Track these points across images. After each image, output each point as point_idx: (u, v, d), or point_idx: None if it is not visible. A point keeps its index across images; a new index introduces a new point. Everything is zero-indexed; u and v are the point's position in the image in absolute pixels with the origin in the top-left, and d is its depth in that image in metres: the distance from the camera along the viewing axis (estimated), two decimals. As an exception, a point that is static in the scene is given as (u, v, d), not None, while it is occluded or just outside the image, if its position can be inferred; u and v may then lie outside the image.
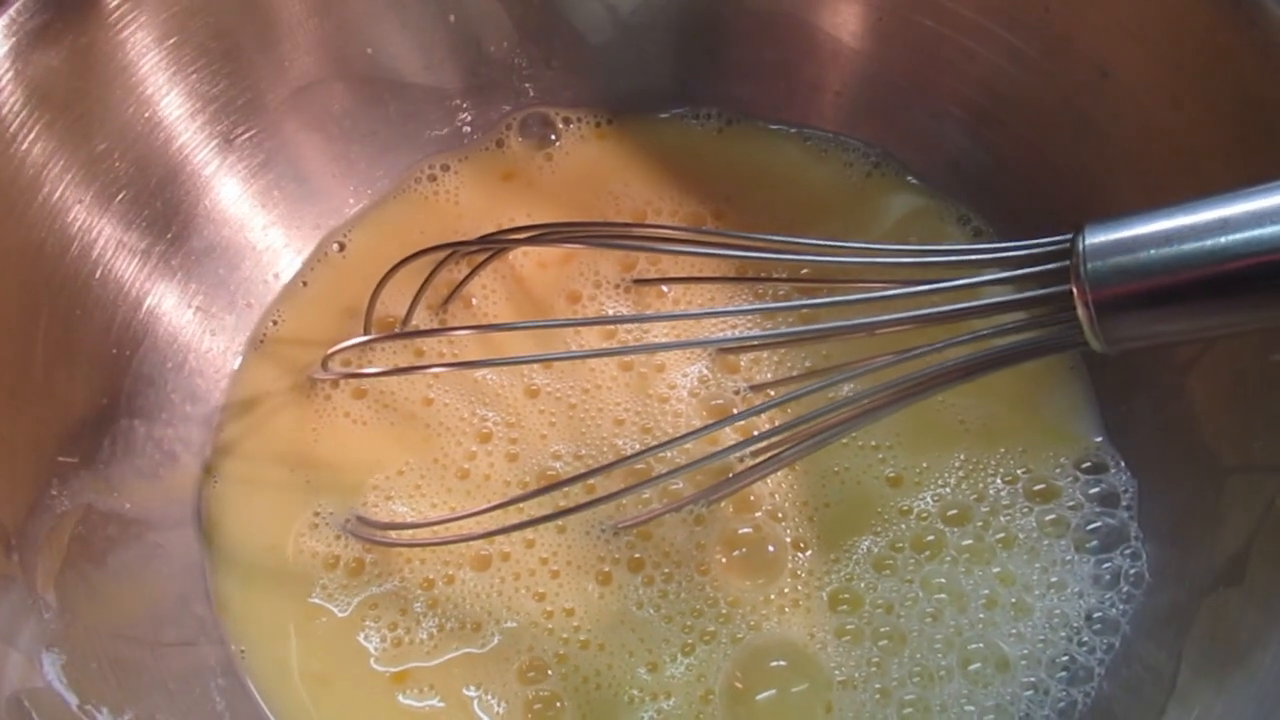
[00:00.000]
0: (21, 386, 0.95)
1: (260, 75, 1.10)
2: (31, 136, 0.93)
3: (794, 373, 1.09)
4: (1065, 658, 0.96)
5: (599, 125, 1.22)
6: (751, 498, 1.04)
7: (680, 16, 1.16)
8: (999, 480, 1.03)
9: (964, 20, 1.07)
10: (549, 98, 1.22)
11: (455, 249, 1.09)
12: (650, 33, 1.17)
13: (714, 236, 1.05)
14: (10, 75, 0.91)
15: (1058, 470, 1.03)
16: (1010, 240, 1.09)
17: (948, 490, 1.03)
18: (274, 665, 1.01)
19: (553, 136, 1.22)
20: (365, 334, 1.12)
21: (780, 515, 1.03)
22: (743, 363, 1.10)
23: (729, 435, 1.04)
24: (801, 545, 1.02)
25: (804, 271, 1.11)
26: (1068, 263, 0.78)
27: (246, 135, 1.11)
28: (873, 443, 1.05)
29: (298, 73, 1.12)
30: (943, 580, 0.99)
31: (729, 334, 1.10)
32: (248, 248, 1.14)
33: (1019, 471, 1.03)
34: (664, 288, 1.14)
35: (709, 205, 1.18)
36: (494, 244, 1.08)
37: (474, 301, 1.15)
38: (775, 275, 1.11)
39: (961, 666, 0.96)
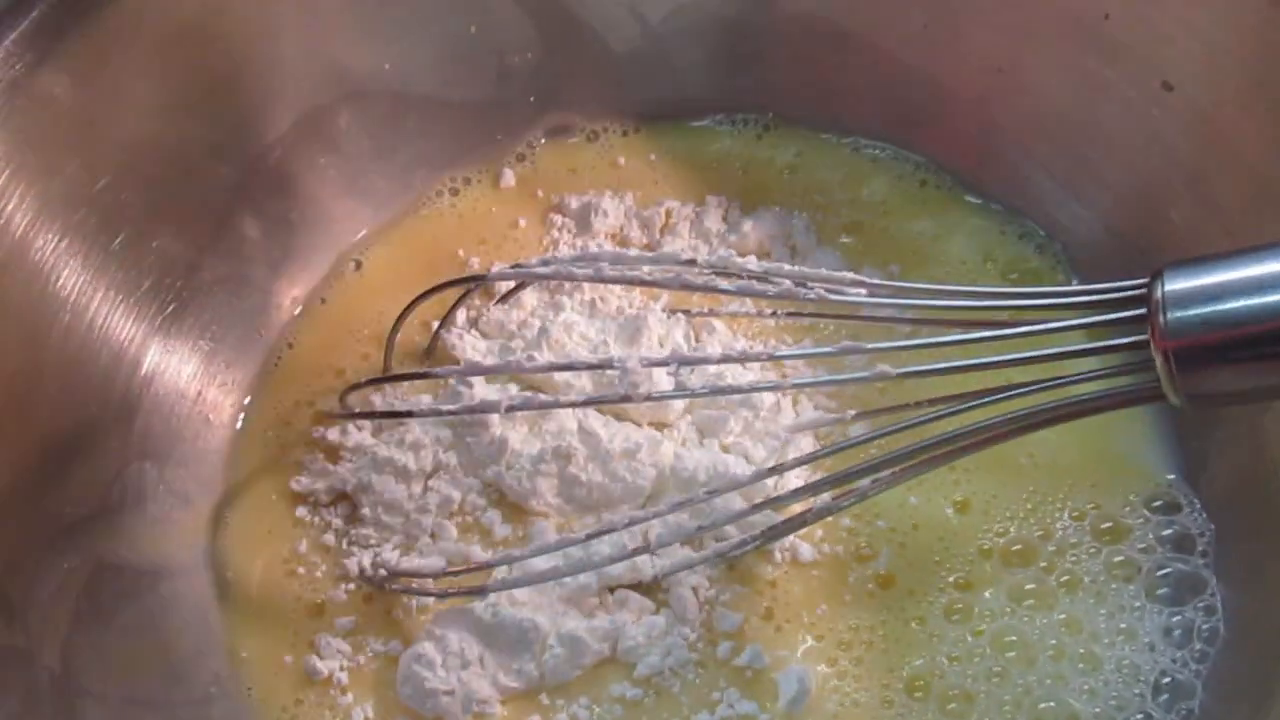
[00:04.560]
0: (22, 439, 0.90)
1: (274, 97, 1.06)
2: (31, 176, 0.89)
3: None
4: (1140, 715, 0.90)
5: (625, 134, 1.19)
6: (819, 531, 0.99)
7: (713, 24, 1.13)
8: (1066, 516, 0.98)
9: (1016, 28, 1.03)
10: (574, 107, 1.18)
11: (478, 283, 1.06)
12: (681, 41, 1.14)
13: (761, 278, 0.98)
14: (6, 111, 0.87)
15: (1127, 509, 0.98)
16: (1075, 255, 1.09)
17: (1014, 526, 0.98)
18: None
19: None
20: (385, 366, 1.07)
21: (866, 547, 0.98)
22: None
23: (792, 474, 0.98)
24: (881, 582, 0.97)
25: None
26: (1144, 310, 0.74)
27: (259, 159, 1.07)
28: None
29: (313, 92, 1.08)
30: (1013, 638, 0.93)
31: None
32: (261, 275, 1.10)
33: (1087, 507, 0.98)
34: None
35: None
36: (516, 276, 1.02)
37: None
38: (826, 312, 1.05)
39: (1032, 729, 0.91)
